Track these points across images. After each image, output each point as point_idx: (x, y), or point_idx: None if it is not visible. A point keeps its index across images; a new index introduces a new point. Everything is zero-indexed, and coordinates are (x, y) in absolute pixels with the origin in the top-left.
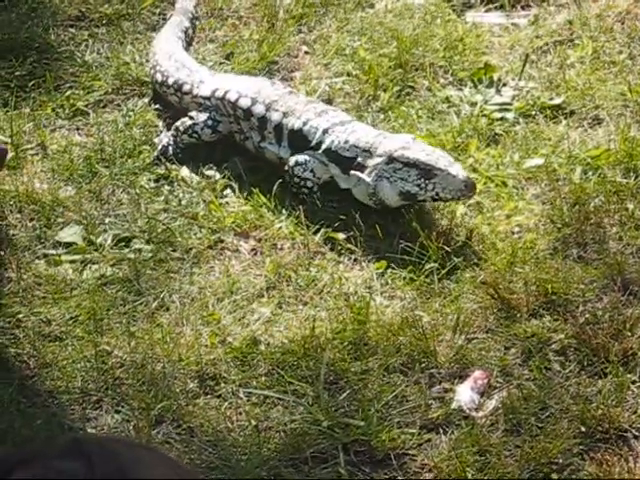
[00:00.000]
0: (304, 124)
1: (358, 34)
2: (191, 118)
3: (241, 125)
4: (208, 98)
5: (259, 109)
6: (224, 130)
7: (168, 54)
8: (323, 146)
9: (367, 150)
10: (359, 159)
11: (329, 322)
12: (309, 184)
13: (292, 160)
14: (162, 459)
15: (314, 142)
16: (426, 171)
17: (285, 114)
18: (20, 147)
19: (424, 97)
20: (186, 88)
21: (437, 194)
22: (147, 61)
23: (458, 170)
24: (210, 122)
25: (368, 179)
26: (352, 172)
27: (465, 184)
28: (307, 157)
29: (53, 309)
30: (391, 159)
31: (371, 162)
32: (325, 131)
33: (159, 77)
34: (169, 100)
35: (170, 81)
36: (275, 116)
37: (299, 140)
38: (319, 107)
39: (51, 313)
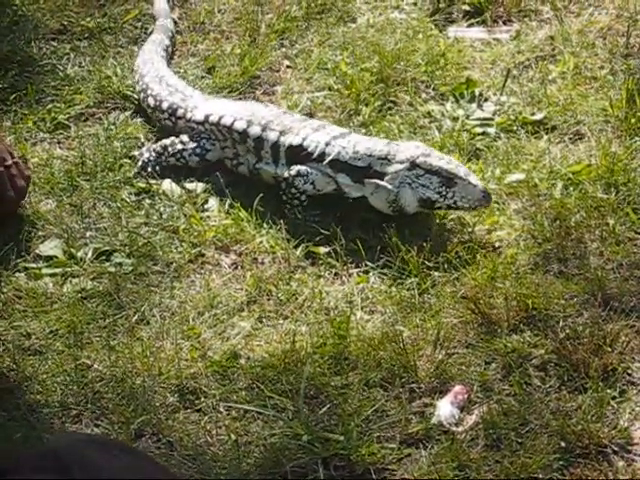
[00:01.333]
0: (303, 139)
1: (340, 48)
2: (182, 143)
3: (237, 149)
4: (202, 123)
5: (255, 130)
6: (213, 158)
7: (158, 77)
8: (328, 158)
9: (384, 157)
10: (375, 167)
11: (309, 336)
12: (303, 197)
13: (294, 170)
14: (146, 464)
15: (316, 154)
16: (448, 179)
17: (282, 132)
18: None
19: (406, 112)
20: (180, 112)
21: (455, 202)
22: (136, 83)
23: (476, 180)
24: (199, 150)
25: (390, 186)
26: (369, 180)
27: (484, 194)
28: (309, 169)
29: (33, 322)
30: (414, 165)
31: (391, 169)
32: (327, 144)
33: (152, 102)
34: (162, 124)
35: (164, 106)
36: (272, 135)
37: (298, 155)
38: (315, 123)
39: (31, 327)
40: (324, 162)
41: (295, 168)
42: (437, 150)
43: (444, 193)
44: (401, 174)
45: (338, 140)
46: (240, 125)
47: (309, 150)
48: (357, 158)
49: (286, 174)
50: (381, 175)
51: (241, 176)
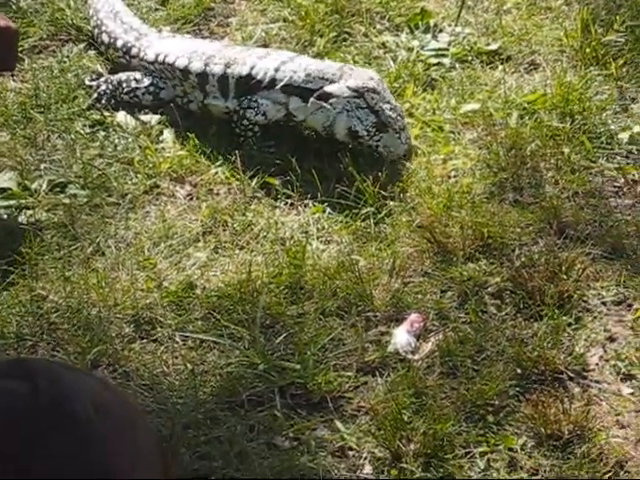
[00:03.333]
0: (251, 68)
1: None
2: (135, 81)
3: (184, 87)
4: (152, 63)
5: (197, 66)
6: (166, 97)
7: (112, 13)
8: (280, 83)
9: (334, 80)
10: (325, 88)
11: (265, 266)
12: (256, 129)
13: (244, 102)
14: (101, 383)
15: (266, 82)
16: (382, 124)
17: (227, 65)
18: None
19: (360, 42)
20: (134, 51)
21: (377, 147)
22: (90, 17)
23: (406, 138)
24: (152, 88)
25: (332, 109)
26: (314, 100)
27: (405, 154)
28: (259, 99)
29: None
30: (360, 95)
31: (339, 92)
32: (277, 69)
33: (105, 38)
34: (116, 62)
35: (119, 44)
36: (216, 69)
37: (248, 85)
38: (259, 51)
39: None
40: (276, 88)
41: (244, 100)
42: (389, 83)
43: (372, 134)
44: (345, 99)
45: (288, 65)
46: (181, 62)
47: (258, 78)
48: (309, 81)
49: (237, 107)
50: (326, 97)
51: (193, 113)
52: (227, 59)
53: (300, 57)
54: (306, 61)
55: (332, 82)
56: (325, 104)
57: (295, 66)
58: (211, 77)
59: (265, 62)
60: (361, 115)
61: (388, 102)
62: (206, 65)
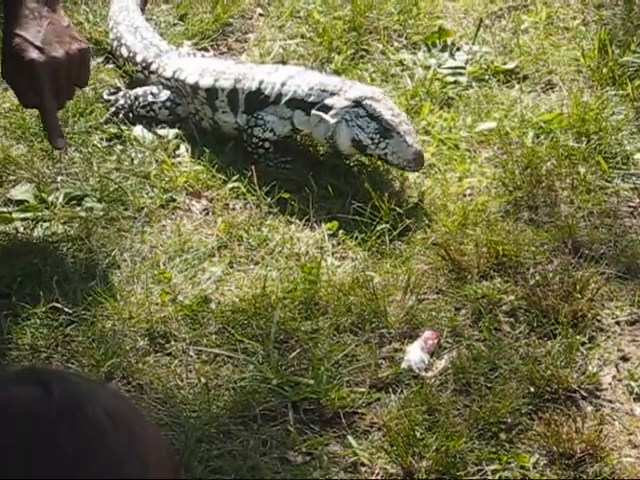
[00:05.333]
0: (260, 83)
1: None
2: (152, 95)
3: (194, 103)
4: (169, 79)
5: (206, 82)
6: (182, 113)
7: (133, 27)
8: (285, 98)
9: (335, 93)
10: (325, 101)
11: (280, 282)
12: (267, 145)
13: (251, 121)
14: (115, 394)
15: (273, 97)
16: (385, 129)
17: (237, 80)
18: None
19: (378, 60)
20: (153, 67)
21: (385, 155)
22: (109, 30)
23: (413, 141)
24: (169, 103)
25: (330, 120)
26: (314, 112)
27: (415, 157)
28: (265, 116)
29: (3, 266)
30: (358, 104)
31: (338, 104)
32: (283, 84)
33: (125, 52)
34: (134, 75)
35: (138, 59)
36: (226, 84)
37: (257, 100)
38: (268, 67)
39: (1, 270)
40: (281, 103)
41: (251, 119)
42: (405, 101)
43: (377, 141)
44: (344, 110)
45: (294, 79)
46: (192, 79)
47: (266, 93)
48: (310, 94)
49: (245, 125)
50: (327, 109)
51: (205, 131)
52: (237, 74)
53: (308, 71)
54: (311, 75)
55: (332, 94)
56: (325, 116)
57: (300, 80)
58: (220, 92)
59: (273, 77)
60: (362, 123)
61: (390, 109)
62: (215, 80)
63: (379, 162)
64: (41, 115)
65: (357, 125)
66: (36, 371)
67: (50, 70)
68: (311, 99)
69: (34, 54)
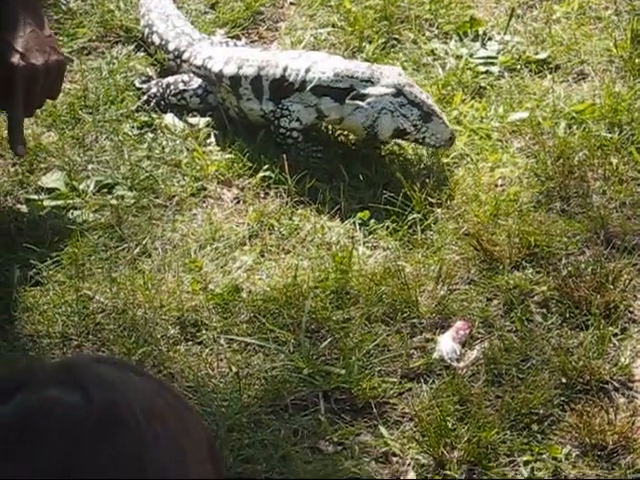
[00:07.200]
0: (284, 70)
1: None
2: (183, 83)
3: (221, 92)
4: (199, 67)
5: (230, 69)
6: (213, 102)
7: (165, 14)
8: (310, 85)
9: (367, 80)
10: (358, 89)
11: (311, 271)
12: (295, 134)
13: (277, 112)
14: (153, 385)
15: (297, 84)
16: (427, 114)
17: (260, 67)
18: None
19: (409, 49)
20: (185, 56)
21: (424, 138)
22: (141, 17)
23: (446, 120)
24: (200, 91)
25: (371, 109)
26: (350, 101)
27: (451, 136)
28: (291, 106)
29: (34, 254)
30: (399, 93)
31: (375, 92)
32: (307, 70)
33: (156, 40)
34: (165, 64)
35: (170, 47)
36: (250, 71)
37: (281, 88)
38: (293, 53)
39: (32, 258)
40: (306, 90)
41: (277, 110)
42: (437, 90)
43: (419, 127)
44: (385, 99)
45: (319, 64)
46: (217, 67)
47: (290, 80)
48: (338, 80)
49: (271, 114)
50: (362, 97)
51: (235, 120)
52: (260, 61)
53: (332, 57)
54: (335, 60)
55: (362, 80)
56: (362, 103)
57: (324, 66)
58: (244, 79)
59: (297, 63)
60: (405, 112)
61: (421, 92)
62: (239, 68)
63: (409, 150)
64: (8, 119)
65: (401, 115)
66: (72, 371)
67: (27, 76)
68: (339, 85)
69: (14, 58)
